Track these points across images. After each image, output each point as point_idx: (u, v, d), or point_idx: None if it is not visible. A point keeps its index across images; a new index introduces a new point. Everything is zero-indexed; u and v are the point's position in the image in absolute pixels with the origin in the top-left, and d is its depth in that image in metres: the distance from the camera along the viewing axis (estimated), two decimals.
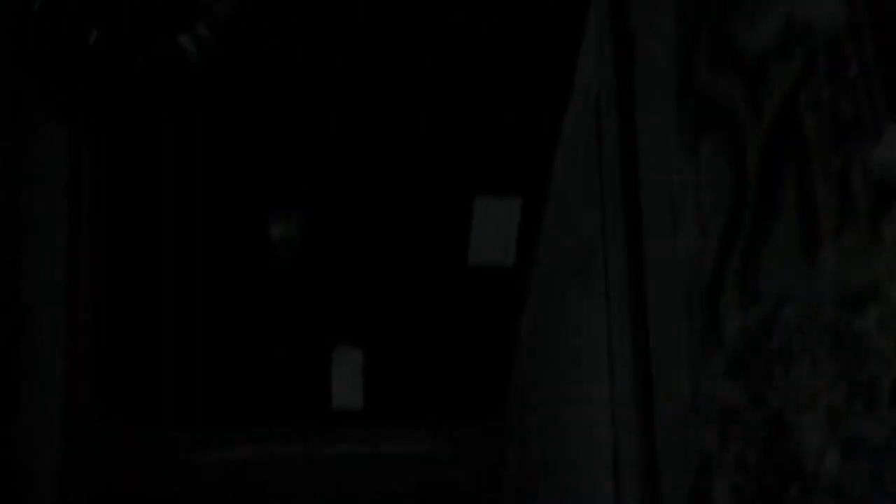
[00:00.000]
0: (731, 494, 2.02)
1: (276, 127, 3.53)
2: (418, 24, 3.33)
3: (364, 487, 4.29)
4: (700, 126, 2.25)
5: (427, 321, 4.14)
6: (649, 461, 2.69)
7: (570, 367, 3.50)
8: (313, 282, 3.98)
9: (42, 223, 2.90)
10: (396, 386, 4.32)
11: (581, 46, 3.35)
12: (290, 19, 3.29)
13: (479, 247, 3.91)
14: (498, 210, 3.81)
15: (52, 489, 2.78)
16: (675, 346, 2.49)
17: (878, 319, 1.43)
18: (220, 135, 3.53)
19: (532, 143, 3.65)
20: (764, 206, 1.89)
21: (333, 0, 3.26)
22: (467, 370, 4.31)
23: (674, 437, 2.53)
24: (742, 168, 2.00)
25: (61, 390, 2.92)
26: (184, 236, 3.72)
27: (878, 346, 1.43)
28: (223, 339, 4.04)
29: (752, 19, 1.94)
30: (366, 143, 3.61)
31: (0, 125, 2.78)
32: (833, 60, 1.58)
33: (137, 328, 3.92)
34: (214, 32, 2.46)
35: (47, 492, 2.77)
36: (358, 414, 4.42)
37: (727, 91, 2.07)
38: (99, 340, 3.81)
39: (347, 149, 3.63)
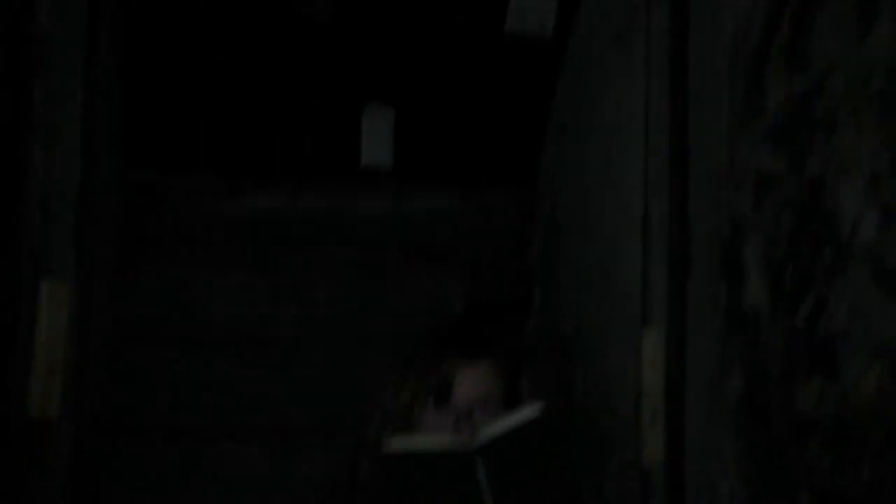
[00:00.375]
0: (761, 258, 2.07)
1: None
2: None
3: (389, 243, 4.38)
4: None
5: (461, 86, 4.12)
6: (680, 226, 2.72)
7: (606, 134, 3.50)
8: (348, 38, 3.95)
9: None
10: (427, 147, 4.34)
11: None
12: None
13: (518, 14, 3.86)
14: None
15: (69, 233, 2.80)
16: (715, 114, 2.48)
17: None
18: None
19: None
20: None
21: None
22: (499, 137, 4.32)
23: (707, 203, 2.55)
24: None
25: (79, 131, 2.85)
26: None
27: None
28: (254, 88, 4.03)
29: None
30: None
31: None
32: None
33: (164, 70, 3.90)
34: None
35: (65, 234, 2.78)
36: (387, 172, 4.47)
37: None
38: (122, 81, 3.79)
39: None
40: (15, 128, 2.46)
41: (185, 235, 4.22)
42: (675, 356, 2.85)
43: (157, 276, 4.01)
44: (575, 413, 3.75)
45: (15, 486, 2.42)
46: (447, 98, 4.11)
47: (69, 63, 2.76)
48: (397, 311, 4.05)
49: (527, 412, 2.06)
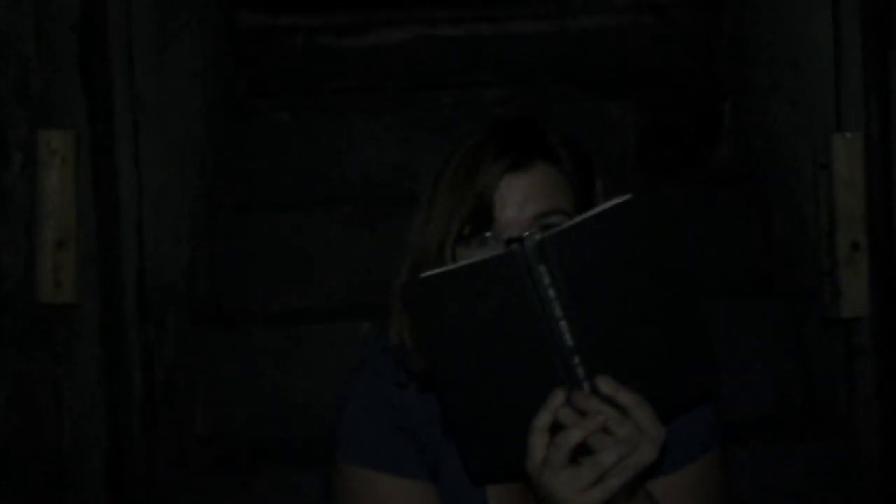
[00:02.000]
0: None
1: None
2: None
3: (548, 73, 3.73)
4: None
5: None
6: None
7: None
8: None
9: None
10: None
11: None
12: None
13: None
14: None
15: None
16: None
17: None
18: None
19: None
20: None
21: None
22: None
23: None
24: None
25: None
26: None
27: None
28: None
29: None
30: None
31: None
32: None
33: None
34: None
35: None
36: None
37: None
38: None
39: None
40: None
41: (306, 83, 3.70)
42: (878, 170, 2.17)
43: (274, 130, 3.53)
44: (773, 252, 3.07)
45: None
46: None
47: None
48: None
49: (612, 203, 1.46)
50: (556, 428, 1.41)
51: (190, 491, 2.66)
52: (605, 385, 1.39)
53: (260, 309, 3.18)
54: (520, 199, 1.61)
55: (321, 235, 3.24)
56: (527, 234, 1.58)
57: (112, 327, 2.36)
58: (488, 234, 1.61)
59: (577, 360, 1.39)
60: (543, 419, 1.40)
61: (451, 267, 1.44)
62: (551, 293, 1.38)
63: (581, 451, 1.41)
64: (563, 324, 1.39)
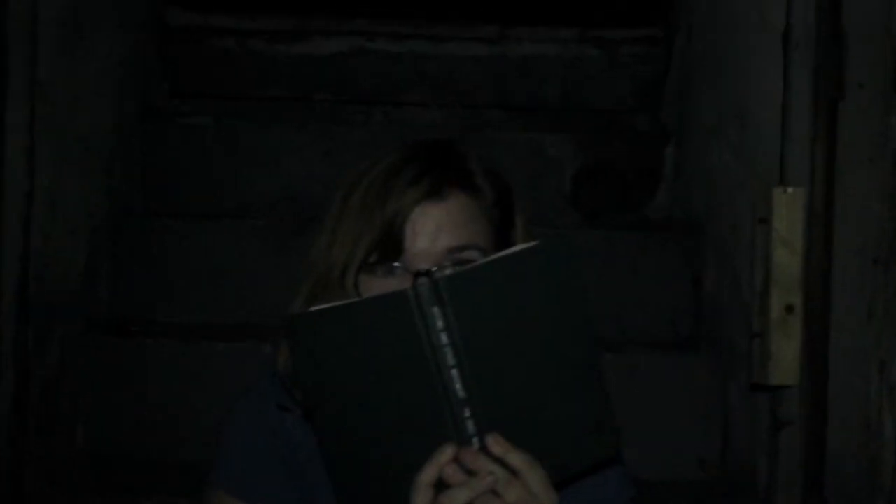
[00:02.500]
0: None
1: None
2: None
3: (486, 97, 3.59)
4: None
5: None
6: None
7: None
8: None
9: None
10: None
11: None
12: None
13: None
14: None
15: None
16: None
17: None
18: None
19: None
20: None
21: None
22: None
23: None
24: None
25: None
26: None
27: None
28: None
29: None
30: None
31: None
32: None
33: None
34: None
35: None
36: (486, 11, 3.69)
37: None
38: None
39: None
40: None
41: (233, 88, 3.54)
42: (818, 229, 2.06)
43: (194, 134, 3.35)
44: (702, 308, 2.96)
45: None
46: None
47: None
48: None
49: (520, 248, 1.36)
50: (441, 485, 1.31)
51: None
52: (496, 445, 1.30)
53: (160, 320, 3.00)
54: (432, 230, 1.50)
55: (232, 248, 3.08)
56: (435, 268, 1.48)
57: None
58: (396, 264, 1.49)
59: (467, 412, 1.29)
60: (428, 475, 1.30)
61: (337, 304, 1.33)
62: (444, 338, 1.27)
63: None
64: (454, 372, 1.28)
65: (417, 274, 1.47)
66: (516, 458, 1.30)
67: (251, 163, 3.33)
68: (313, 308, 1.32)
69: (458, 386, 1.28)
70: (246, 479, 1.56)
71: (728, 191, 2.81)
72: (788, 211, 2.14)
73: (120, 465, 2.67)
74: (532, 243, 1.33)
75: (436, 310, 1.27)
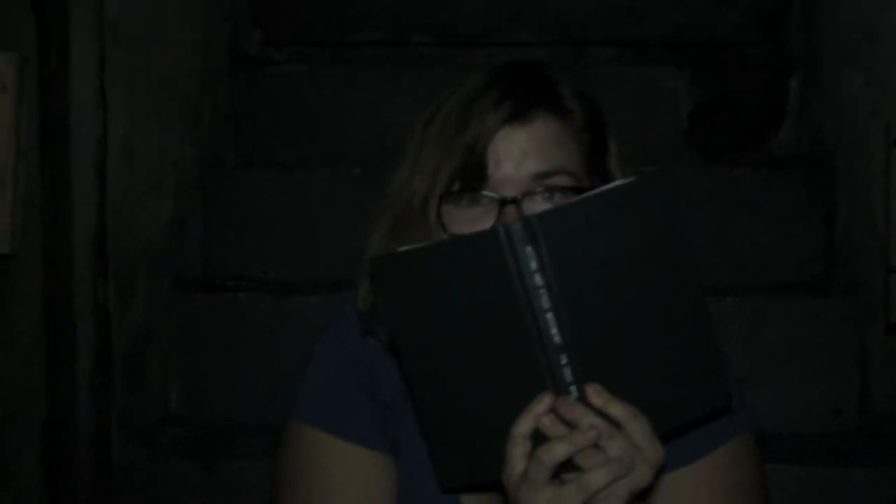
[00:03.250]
0: None
1: None
2: None
3: (600, 30, 3.38)
4: None
5: None
6: None
7: None
8: None
9: None
10: None
11: None
12: None
13: None
14: None
15: None
16: None
17: None
18: None
19: None
20: None
21: None
22: None
23: None
24: None
25: None
26: None
27: None
28: None
29: None
30: None
31: None
32: None
33: None
34: None
35: None
36: None
37: None
38: None
39: None
40: None
41: (329, 35, 3.39)
42: None
43: (288, 82, 3.23)
44: (833, 247, 2.74)
45: None
46: None
47: None
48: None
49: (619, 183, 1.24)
50: (538, 437, 1.21)
51: (145, 473, 2.37)
52: (596, 394, 1.20)
53: (252, 276, 2.89)
54: (517, 155, 1.41)
55: (327, 199, 2.95)
56: (522, 196, 1.39)
57: (57, 285, 2.07)
58: (482, 192, 1.40)
59: (564, 359, 1.20)
60: (524, 426, 1.21)
61: (422, 245, 1.25)
62: (538, 280, 1.18)
63: (566, 468, 1.21)
64: (549, 316, 1.19)
65: (504, 202, 1.38)
66: (618, 409, 1.19)
67: (347, 111, 3.20)
68: (399, 250, 1.24)
69: (553, 331, 1.18)
70: (330, 409, 1.48)
71: (860, 119, 2.59)
72: None
73: (209, 427, 2.58)
74: (630, 179, 1.21)
75: (529, 249, 1.17)
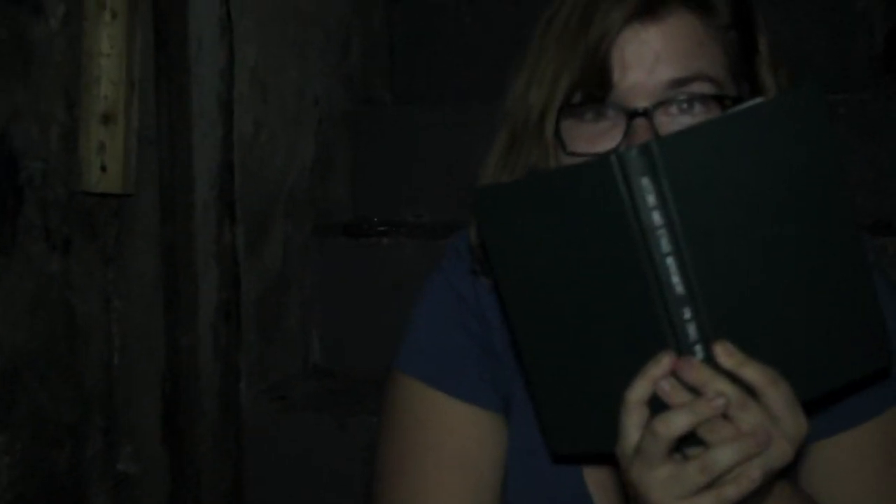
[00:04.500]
0: None
1: None
2: None
3: None
4: None
5: None
6: None
7: None
8: None
9: None
10: None
11: None
12: None
13: None
14: None
15: None
16: None
17: None
18: None
19: None
20: None
21: None
22: None
23: None
24: None
25: None
26: None
27: None
28: None
29: None
30: None
31: None
32: None
33: None
34: None
35: None
36: None
37: None
38: None
39: None
40: None
41: None
42: None
43: (444, 14, 3.09)
44: None
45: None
46: None
47: None
48: None
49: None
50: (657, 404, 1.05)
51: (276, 427, 2.29)
52: (727, 355, 1.03)
53: (403, 220, 2.78)
54: (649, 59, 1.22)
55: (485, 138, 2.81)
56: (654, 106, 1.20)
57: (177, 227, 1.99)
58: (606, 102, 1.23)
59: (688, 313, 1.03)
60: (639, 391, 1.05)
61: (524, 179, 1.16)
62: (657, 218, 1.01)
63: (688, 441, 1.05)
64: (670, 261, 1.03)
65: (632, 114, 1.21)
66: (754, 373, 1.02)
67: (509, 39, 3.04)
68: (500, 183, 1.17)
69: (675, 279, 1.02)
70: (439, 361, 1.36)
71: None
72: None
73: (350, 380, 2.48)
74: (764, 99, 1.03)
75: (646, 182, 1.01)
